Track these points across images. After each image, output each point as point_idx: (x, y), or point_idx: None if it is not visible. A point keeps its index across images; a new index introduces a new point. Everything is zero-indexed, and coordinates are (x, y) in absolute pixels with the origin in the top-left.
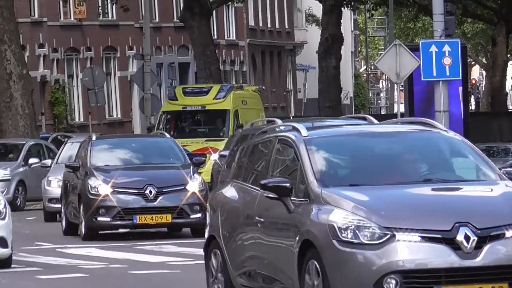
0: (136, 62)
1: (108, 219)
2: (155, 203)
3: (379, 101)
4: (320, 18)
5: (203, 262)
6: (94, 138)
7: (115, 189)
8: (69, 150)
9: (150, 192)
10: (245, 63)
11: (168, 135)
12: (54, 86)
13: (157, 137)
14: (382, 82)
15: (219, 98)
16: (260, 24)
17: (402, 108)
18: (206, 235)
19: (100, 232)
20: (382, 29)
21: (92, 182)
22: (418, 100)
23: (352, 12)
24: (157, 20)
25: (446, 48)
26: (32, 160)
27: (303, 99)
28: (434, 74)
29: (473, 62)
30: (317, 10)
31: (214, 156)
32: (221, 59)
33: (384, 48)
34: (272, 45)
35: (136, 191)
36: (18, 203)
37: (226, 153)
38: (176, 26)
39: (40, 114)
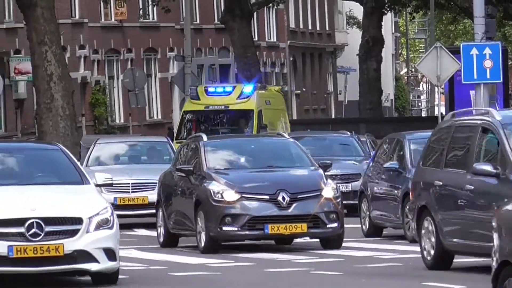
0: (177, 64)
1: (236, 229)
2: (289, 211)
3: (419, 104)
4: (361, 20)
5: (244, 264)
6: (205, 138)
7: (243, 195)
8: (97, 151)
9: (283, 198)
10: (286, 65)
11: (286, 135)
12: (94, 87)
13: (276, 138)
14: (422, 84)
15: (243, 98)
16: (301, 26)
17: (442, 110)
18: (494, 263)
19: (223, 243)
20: (423, 31)
21: (214, 187)
22: (459, 104)
23: (392, 15)
24: (198, 21)
25: (487, 51)
26: None
27: (343, 101)
28: (475, 77)
29: None
30: (358, 12)
31: None
32: (261, 61)
33: (425, 50)
34: (312, 47)
35: (267, 197)
36: None
37: None
38: (217, 28)
39: (81, 116)
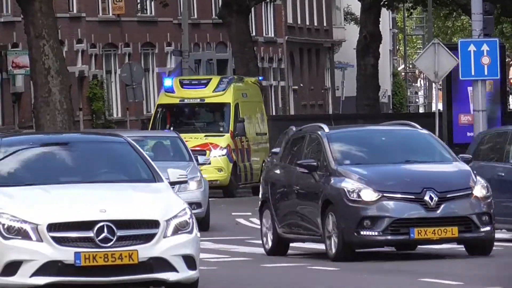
0: (174, 58)
1: (376, 233)
2: (437, 213)
3: (417, 100)
4: (359, 16)
5: (240, 259)
6: (326, 129)
7: (384, 194)
8: None
9: (431, 198)
10: (283, 60)
11: (419, 126)
12: (92, 82)
13: (408, 128)
14: (420, 80)
15: (219, 91)
16: (299, 22)
17: (440, 107)
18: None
19: (357, 250)
20: (421, 27)
21: (348, 185)
22: (457, 101)
23: (390, 11)
24: (195, 16)
25: (485, 47)
26: None
27: (341, 97)
28: (473, 73)
29: (511, 61)
30: (356, 8)
31: (215, 153)
32: (259, 56)
33: (423, 46)
34: (310, 42)
35: (412, 196)
36: None
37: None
38: (214, 23)
39: (78, 110)
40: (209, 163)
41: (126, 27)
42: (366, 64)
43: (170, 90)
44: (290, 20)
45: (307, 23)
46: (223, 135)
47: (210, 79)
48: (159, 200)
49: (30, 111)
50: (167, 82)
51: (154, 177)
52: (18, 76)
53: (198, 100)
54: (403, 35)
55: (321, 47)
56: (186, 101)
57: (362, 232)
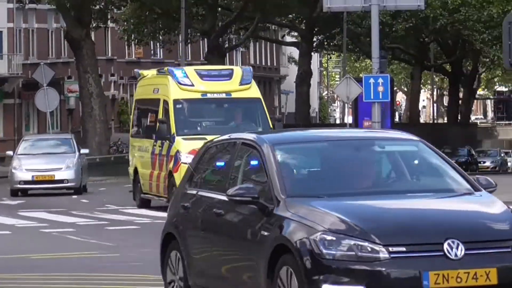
0: None
1: None
2: None
3: (334, 115)
4: (297, 59)
5: None
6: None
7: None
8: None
9: None
10: None
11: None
12: (120, 102)
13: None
14: (337, 102)
15: (245, 84)
16: (257, 62)
17: (350, 120)
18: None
19: None
20: (338, 67)
21: None
22: (361, 115)
23: (318, 55)
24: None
25: (380, 80)
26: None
27: (284, 112)
28: (372, 97)
29: (397, 90)
30: (296, 53)
31: None
32: None
33: (339, 79)
34: (265, 76)
35: None
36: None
37: None
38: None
39: (111, 120)
40: None
41: (143, 66)
42: (302, 91)
43: (186, 83)
44: (251, 61)
45: (263, 63)
46: None
47: (232, 70)
48: None
49: (79, 121)
50: (178, 73)
51: None
52: (71, 98)
53: (224, 94)
54: (326, 72)
55: (272, 80)
56: (209, 95)
57: None
